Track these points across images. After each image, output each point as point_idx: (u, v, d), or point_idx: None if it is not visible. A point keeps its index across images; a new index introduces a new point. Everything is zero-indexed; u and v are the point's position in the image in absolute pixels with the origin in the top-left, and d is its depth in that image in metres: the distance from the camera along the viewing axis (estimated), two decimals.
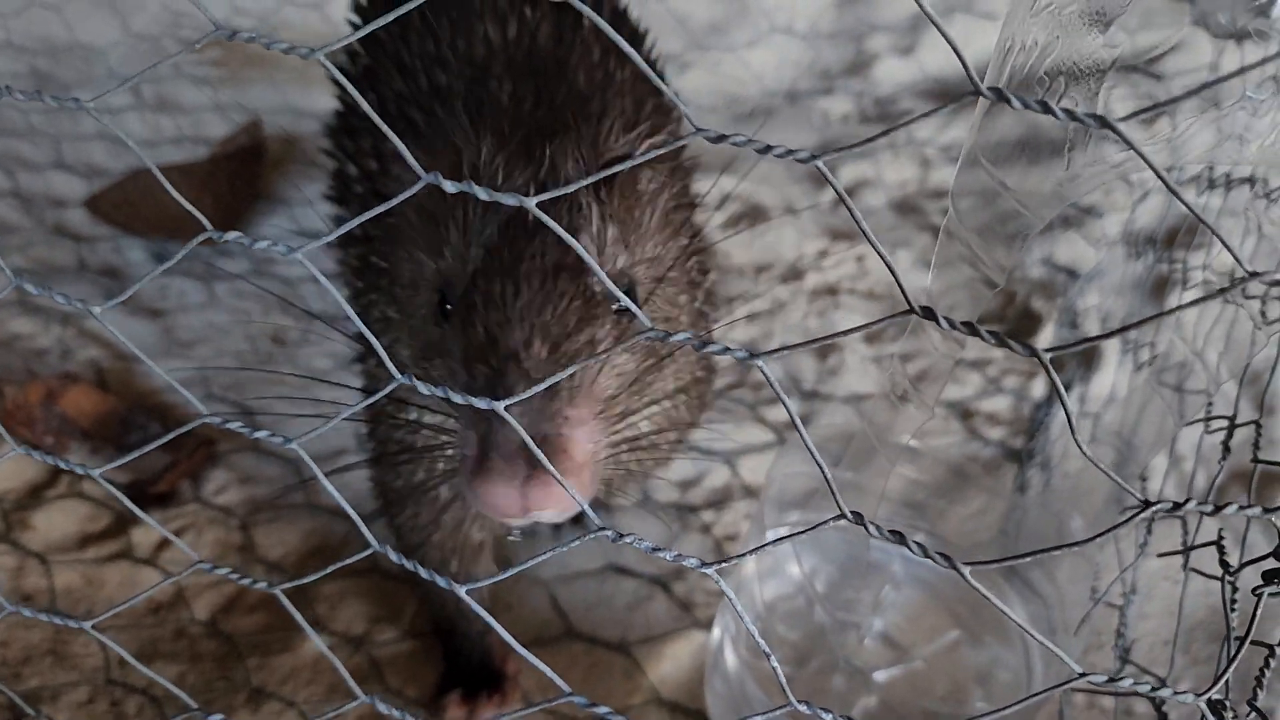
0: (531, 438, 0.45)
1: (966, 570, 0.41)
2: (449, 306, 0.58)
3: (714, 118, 1.47)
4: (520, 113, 0.77)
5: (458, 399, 0.42)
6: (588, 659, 0.86)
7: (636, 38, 0.91)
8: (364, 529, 0.49)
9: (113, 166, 1.38)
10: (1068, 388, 1.05)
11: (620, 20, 0.95)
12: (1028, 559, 0.40)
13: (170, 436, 0.50)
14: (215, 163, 1.23)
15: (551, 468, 0.44)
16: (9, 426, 0.99)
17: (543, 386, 0.43)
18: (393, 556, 0.49)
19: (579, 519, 0.97)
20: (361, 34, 0.41)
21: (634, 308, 0.40)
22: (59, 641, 0.85)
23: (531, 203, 0.39)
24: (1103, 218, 1.22)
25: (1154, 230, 1.02)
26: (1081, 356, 1.08)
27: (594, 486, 0.53)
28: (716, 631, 0.74)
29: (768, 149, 0.39)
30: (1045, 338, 1.13)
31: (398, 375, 0.45)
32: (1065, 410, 0.38)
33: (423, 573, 0.48)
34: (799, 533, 0.47)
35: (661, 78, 0.90)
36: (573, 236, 0.46)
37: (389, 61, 0.85)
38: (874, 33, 1.63)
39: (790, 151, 0.39)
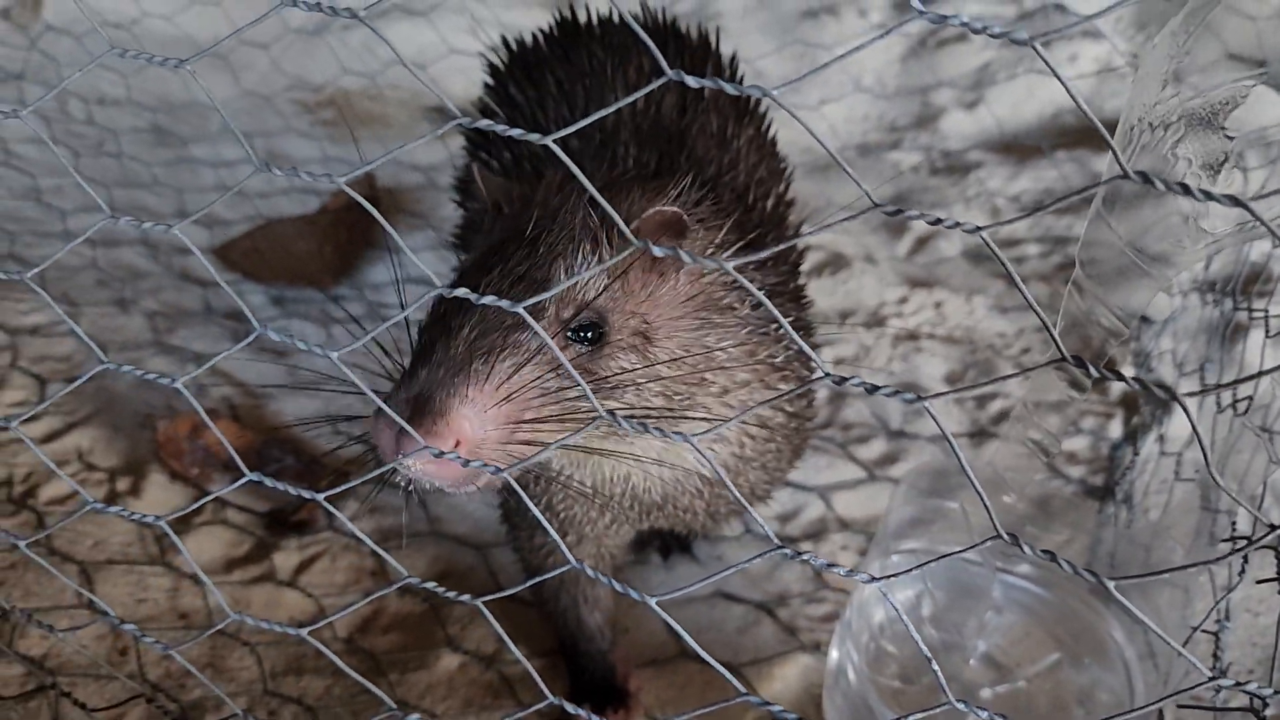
0: (420, 399, 0.56)
1: (1111, 585, 0.47)
2: None
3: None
4: (644, 175, 0.85)
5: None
6: (702, 678, 0.92)
7: (751, 103, 0.99)
8: (567, 552, 0.56)
9: (230, 216, 1.47)
10: (1146, 429, 1.10)
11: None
12: (1165, 575, 0.47)
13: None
14: (335, 214, 1.32)
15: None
16: (161, 459, 1.08)
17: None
18: (588, 573, 0.56)
19: (687, 548, 1.04)
20: (591, 120, 0.48)
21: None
22: (216, 656, 0.93)
23: None
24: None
25: (1228, 278, 1.08)
26: (1158, 399, 1.13)
27: (473, 460, 0.57)
28: (834, 654, 0.80)
29: (938, 221, 0.47)
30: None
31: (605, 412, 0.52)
32: (1201, 446, 0.44)
33: (617, 587, 0.55)
34: (937, 559, 0.54)
35: (775, 142, 0.97)
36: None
37: (525, 124, 0.93)
38: (939, 88, 1.71)
39: (957, 223, 0.46)
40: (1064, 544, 0.91)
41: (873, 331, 1.27)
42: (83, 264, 1.38)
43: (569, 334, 0.63)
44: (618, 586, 0.55)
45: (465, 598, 0.59)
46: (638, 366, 0.64)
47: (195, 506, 0.70)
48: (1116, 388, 1.19)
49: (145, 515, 0.63)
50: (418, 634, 0.96)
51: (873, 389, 0.48)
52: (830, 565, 0.51)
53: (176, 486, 1.08)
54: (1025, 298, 0.44)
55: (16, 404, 1.17)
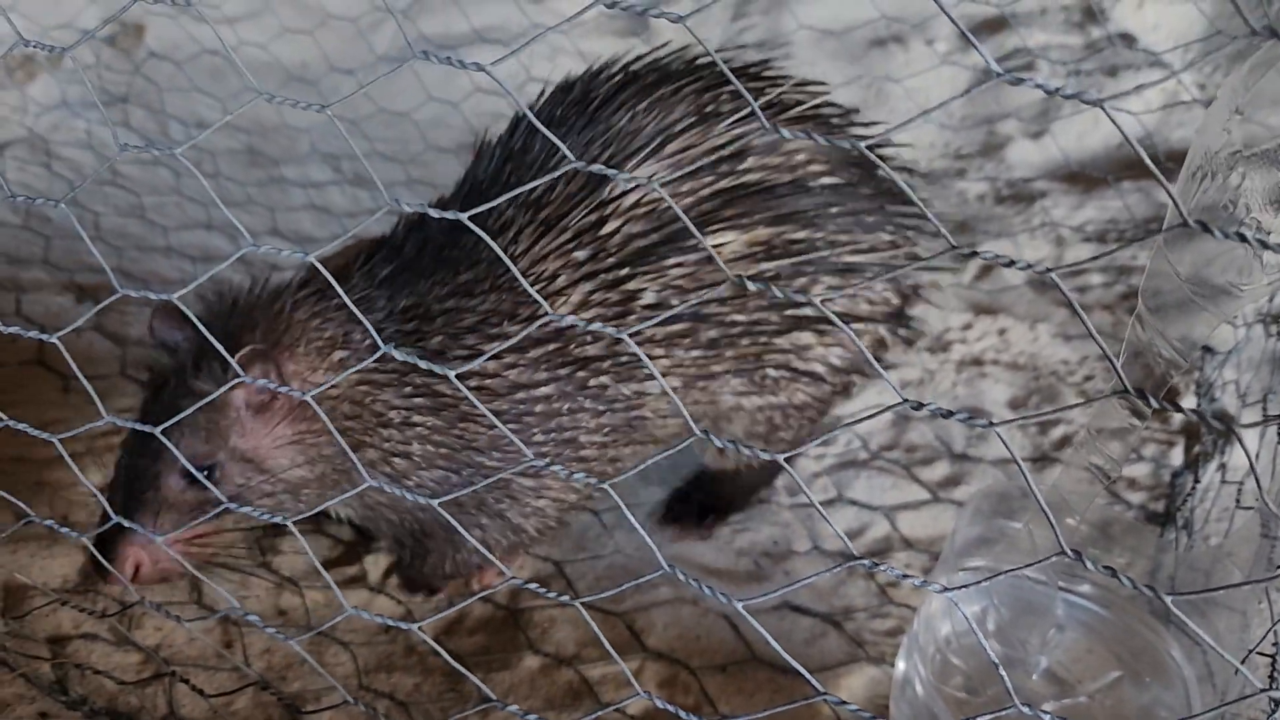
0: (104, 543, 0.85)
1: (1169, 599, 0.51)
2: None
3: None
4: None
5: None
6: (771, 686, 0.97)
7: None
8: (660, 556, 0.61)
9: (318, 234, 1.55)
10: (1208, 457, 1.13)
11: None
12: (1223, 600, 0.50)
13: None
14: None
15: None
16: None
17: None
18: (680, 576, 0.61)
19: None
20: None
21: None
22: (314, 651, 0.99)
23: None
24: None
25: None
26: (1218, 429, 1.16)
27: (152, 575, 0.88)
28: (901, 665, 0.84)
29: (1011, 263, 0.51)
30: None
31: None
32: (1255, 474, 0.48)
33: (704, 590, 0.59)
34: (1005, 571, 0.58)
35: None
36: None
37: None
38: (1005, 118, 1.74)
39: (1029, 265, 0.50)
40: (1124, 567, 0.94)
41: (936, 356, 1.31)
42: (183, 279, 1.46)
43: (188, 480, 0.86)
44: (705, 590, 0.60)
45: (564, 598, 0.64)
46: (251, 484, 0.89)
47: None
48: (1178, 417, 1.22)
49: (260, 512, 0.69)
50: (500, 638, 1.02)
51: (947, 414, 0.53)
52: (904, 575, 0.56)
53: None
54: (1089, 330, 0.49)
55: (124, 410, 1.24)
